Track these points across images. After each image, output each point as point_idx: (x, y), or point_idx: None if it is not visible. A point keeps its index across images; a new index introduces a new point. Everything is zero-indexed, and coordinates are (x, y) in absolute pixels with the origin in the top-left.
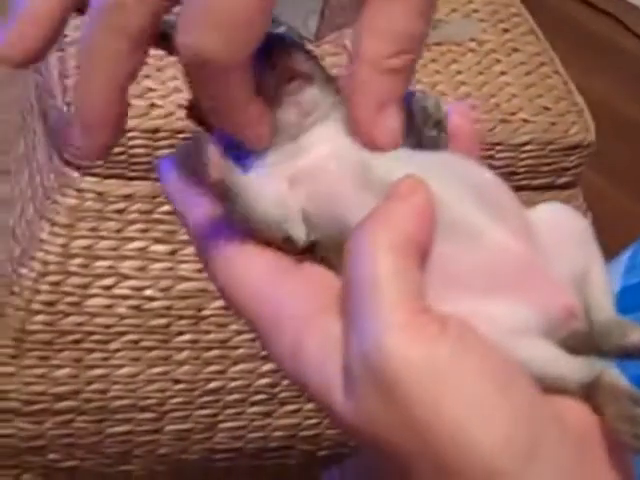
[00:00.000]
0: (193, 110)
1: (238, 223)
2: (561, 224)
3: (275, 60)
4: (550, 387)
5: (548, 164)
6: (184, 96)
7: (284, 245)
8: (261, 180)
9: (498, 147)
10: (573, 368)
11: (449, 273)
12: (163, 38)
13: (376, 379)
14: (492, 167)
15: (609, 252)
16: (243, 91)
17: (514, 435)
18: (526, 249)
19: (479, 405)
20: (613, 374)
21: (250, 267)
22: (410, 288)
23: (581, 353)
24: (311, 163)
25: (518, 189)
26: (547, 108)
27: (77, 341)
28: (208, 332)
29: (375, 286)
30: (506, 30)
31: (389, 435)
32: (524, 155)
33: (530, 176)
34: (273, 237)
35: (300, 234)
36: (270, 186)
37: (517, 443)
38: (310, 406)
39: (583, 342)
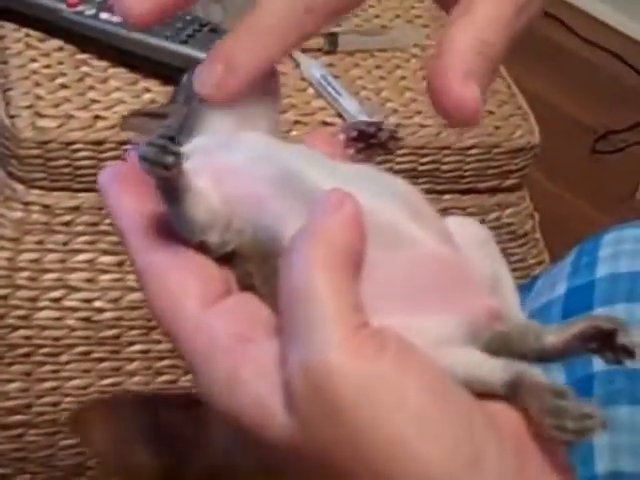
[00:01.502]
0: (132, 119)
1: (174, 228)
2: (468, 233)
3: None
4: (475, 390)
5: (494, 167)
6: (128, 107)
7: (201, 249)
8: (195, 180)
9: (445, 151)
10: (493, 370)
11: (382, 282)
12: None
13: (318, 394)
14: (439, 171)
15: (556, 252)
16: None
17: (457, 446)
18: (453, 255)
19: (419, 420)
20: (533, 372)
21: (182, 293)
22: (348, 303)
23: (504, 355)
24: (235, 161)
25: (465, 192)
26: (491, 112)
27: (27, 354)
28: (159, 342)
29: (313, 303)
30: None
31: (330, 449)
32: (470, 159)
33: (477, 179)
34: (191, 240)
35: (215, 239)
36: (201, 187)
37: (460, 453)
38: None
39: (504, 344)
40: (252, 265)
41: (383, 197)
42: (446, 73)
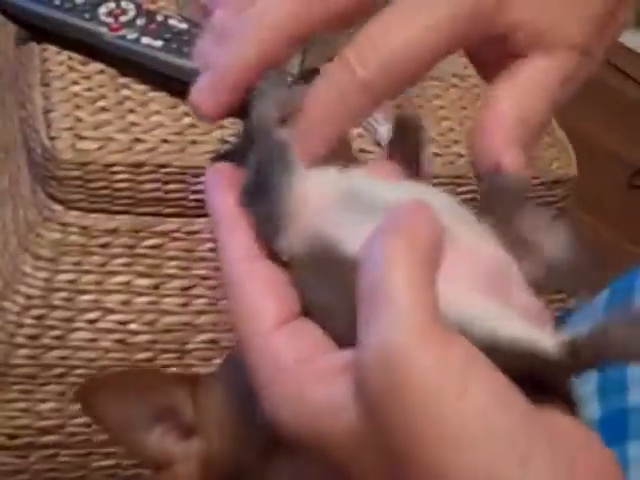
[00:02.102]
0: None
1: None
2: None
3: None
4: (520, 357)
5: (530, 198)
6: (168, 130)
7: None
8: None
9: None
10: (543, 336)
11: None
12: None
13: (389, 374)
14: (477, 201)
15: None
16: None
17: (513, 443)
18: (500, 256)
19: (482, 420)
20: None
21: (260, 310)
22: (426, 296)
23: None
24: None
25: None
26: None
27: (61, 375)
28: (192, 366)
29: (394, 291)
30: None
31: (395, 436)
32: None
33: None
34: (267, 228)
35: (290, 236)
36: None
37: (515, 452)
38: None
39: None
40: (308, 272)
41: (440, 209)
42: (489, 137)
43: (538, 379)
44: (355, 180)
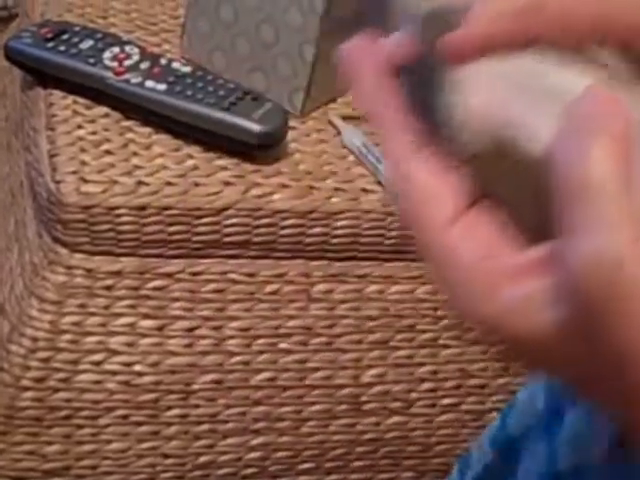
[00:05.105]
0: None
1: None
2: None
3: None
4: None
5: None
6: (171, 173)
7: (450, 147)
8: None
9: None
10: None
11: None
12: None
13: (610, 288)
14: None
15: None
16: None
17: None
18: None
19: None
20: None
21: (430, 208)
22: (636, 207)
23: None
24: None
25: None
26: None
27: (67, 417)
28: (197, 406)
29: (606, 197)
30: None
31: (619, 348)
32: None
33: None
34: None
35: (466, 138)
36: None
37: None
38: (301, 479)
39: None
40: (487, 168)
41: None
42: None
43: None
44: (525, 66)
